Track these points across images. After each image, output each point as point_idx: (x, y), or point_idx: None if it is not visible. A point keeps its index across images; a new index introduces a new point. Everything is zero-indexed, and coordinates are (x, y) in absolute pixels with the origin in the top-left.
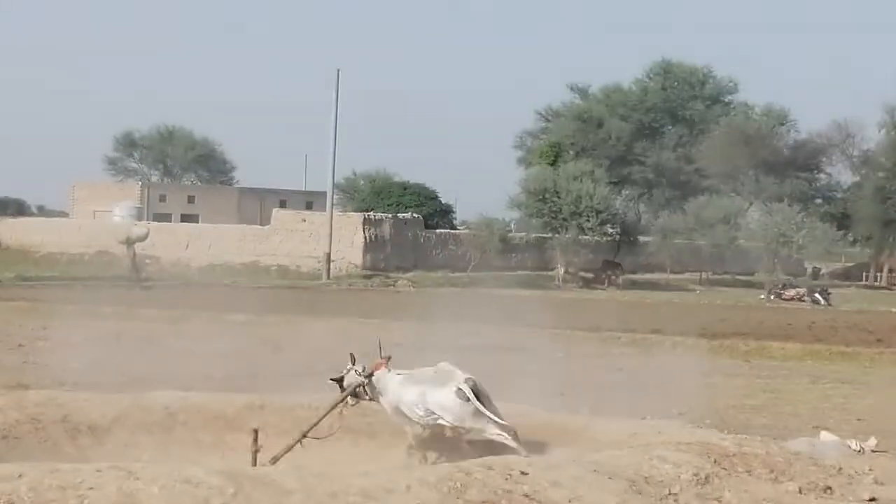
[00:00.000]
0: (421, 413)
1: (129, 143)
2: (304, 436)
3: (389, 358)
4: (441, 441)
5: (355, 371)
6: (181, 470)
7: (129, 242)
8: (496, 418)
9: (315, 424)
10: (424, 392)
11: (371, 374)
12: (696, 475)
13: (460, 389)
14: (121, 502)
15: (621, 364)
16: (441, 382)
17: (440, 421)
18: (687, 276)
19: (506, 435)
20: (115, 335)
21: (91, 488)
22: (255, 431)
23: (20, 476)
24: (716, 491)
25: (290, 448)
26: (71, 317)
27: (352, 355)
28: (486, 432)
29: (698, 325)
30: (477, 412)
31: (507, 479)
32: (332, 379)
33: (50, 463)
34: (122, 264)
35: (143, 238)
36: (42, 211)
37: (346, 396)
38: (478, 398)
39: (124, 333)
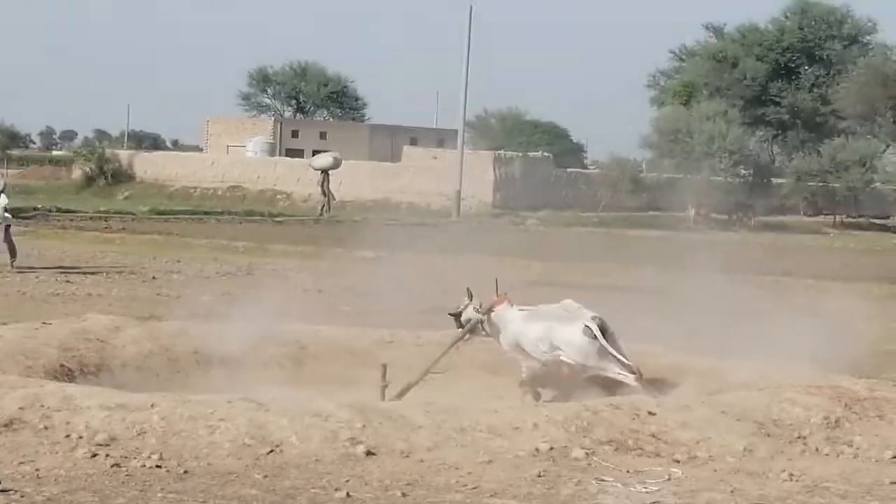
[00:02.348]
0: (545, 349)
1: (262, 79)
2: (428, 372)
3: (506, 294)
4: (555, 379)
5: (473, 307)
6: (311, 403)
7: (327, 169)
8: (622, 357)
9: (437, 360)
10: (551, 327)
11: (491, 310)
12: (826, 419)
13: (587, 327)
14: (251, 434)
15: (752, 306)
16: (568, 319)
17: (563, 357)
18: (820, 219)
19: (628, 375)
20: (246, 269)
21: (222, 419)
22: (384, 366)
23: (152, 406)
24: (846, 435)
25: (413, 385)
26: (204, 251)
27: (468, 290)
28: (608, 372)
29: (832, 269)
30: (602, 350)
31: (634, 418)
32: (450, 314)
33: (181, 393)
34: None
35: (336, 165)
36: (176, 145)
37: (467, 332)
38: (604, 336)
39: (256, 268)
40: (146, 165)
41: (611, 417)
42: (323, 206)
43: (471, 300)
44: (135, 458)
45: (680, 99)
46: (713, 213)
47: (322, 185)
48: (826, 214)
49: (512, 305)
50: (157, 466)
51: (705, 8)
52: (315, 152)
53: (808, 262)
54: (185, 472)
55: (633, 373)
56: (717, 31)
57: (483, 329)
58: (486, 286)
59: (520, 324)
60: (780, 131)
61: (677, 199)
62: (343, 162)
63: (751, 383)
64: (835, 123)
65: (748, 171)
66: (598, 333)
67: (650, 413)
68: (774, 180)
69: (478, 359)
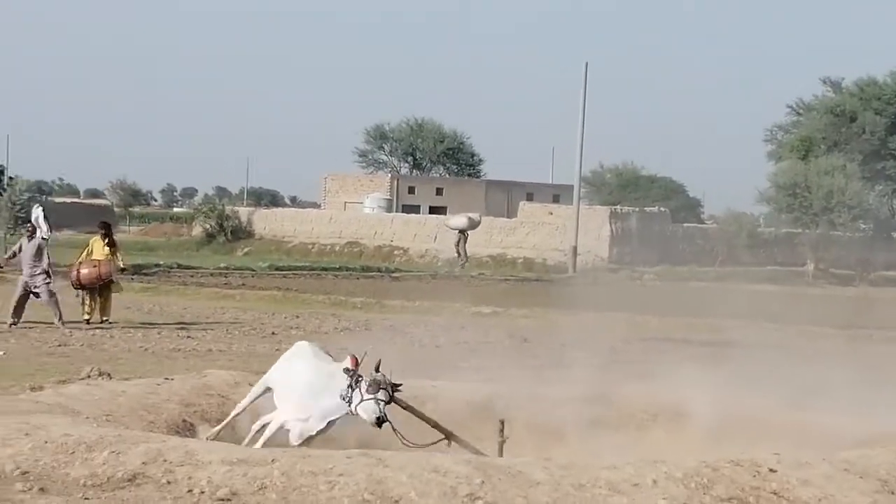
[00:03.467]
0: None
1: (379, 136)
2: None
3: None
4: None
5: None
6: (430, 459)
7: (464, 229)
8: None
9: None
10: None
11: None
12: None
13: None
14: (370, 489)
15: (873, 363)
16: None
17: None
18: None
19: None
20: (364, 324)
21: (341, 474)
22: (502, 422)
23: (273, 461)
24: None
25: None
26: (322, 306)
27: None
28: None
29: None
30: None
31: (755, 476)
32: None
33: (302, 448)
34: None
35: (473, 226)
36: (295, 202)
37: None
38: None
39: (374, 323)
40: (265, 222)
41: (731, 474)
42: (461, 265)
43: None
44: None
45: (798, 153)
46: (832, 267)
47: (458, 245)
48: None
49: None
50: None
51: (823, 62)
52: (432, 209)
53: None
54: None
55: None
56: (835, 86)
57: None
58: (605, 340)
59: None
60: None
61: (796, 254)
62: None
63: (873, 440)
64: None
65: (868, 226)
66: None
67: (771, 470)
68: (895, 235)
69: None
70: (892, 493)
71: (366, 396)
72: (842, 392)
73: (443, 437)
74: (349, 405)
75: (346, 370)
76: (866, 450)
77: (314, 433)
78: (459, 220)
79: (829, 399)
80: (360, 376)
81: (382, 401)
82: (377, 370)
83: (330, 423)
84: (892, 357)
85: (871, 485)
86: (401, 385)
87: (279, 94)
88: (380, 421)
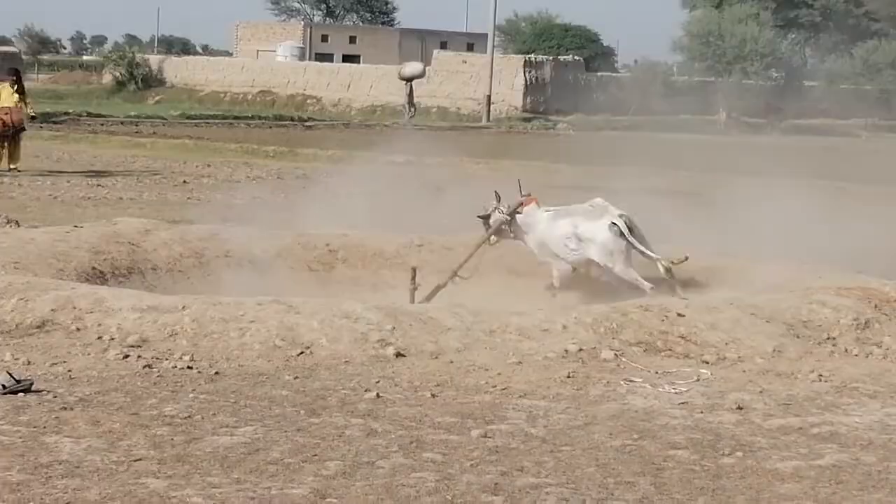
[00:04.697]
0: (573, 247)
1: None
2: (455, 274)
3: (531, 195)
4: (584, 283)
5: (499, 210)
6: (341, 305)
7: (408, 79)
8: (651, 253)
9: (463, 263)
10: (576, 224)
11: (517, 211)
12: (855, 320)
13: (614, 224)
14: (281, 335)
15: (783, 209)
16: (594, 215)
17: (591, 255)
18: (853, 121)
19: (644, 284)
20: (276, 173)
21: (252, 321)
22: (414, 269)
23: (183, 308)
24: (875, 336)
25: (441, 287)
26: (234, 155)
27: (497, 193)
28: (628, 276)
29: (863, 171)
30: (628, 249)
31: (663, 320)
32: (478, 216)
33: (212, 295)
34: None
35: (420, 75)
36: (206, 50)
37: (491, 234)
38: (631, 234)
39: (286, 172)
40: (176, 70)
41: (640, 319)
42: (409, 114)
43: (499, 202)
44: (166, 359)
45: (712, 2)
46: (744, 116)
47: (409, 95)
48: (858, 117)
49: (539, 206)
50: (189, 368)
51: None
52: (345, 57)
53: (839, 165)
54: (216, 373)
55: (665, 267)
56: None
57: (510, 231)
58: (514, 190)
59: (546, 223)
60: (812, 34)
61: (708, 103)
62: (374, 67)
63: (781, 285)
64: (868, 25)
65: (780, 75)
66: (626, 230)
67: (679, 315)
68: (806, 83)
69: (504, 262)
70: (798, 336)
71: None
72: (751, 236)
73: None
74: None
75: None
76: (773, 294)
77: None
78: (414, 68)
79: (740, 243)
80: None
81: None
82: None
83: None
84: (800, 203)
85: (777, 328)
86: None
87: None
88: None
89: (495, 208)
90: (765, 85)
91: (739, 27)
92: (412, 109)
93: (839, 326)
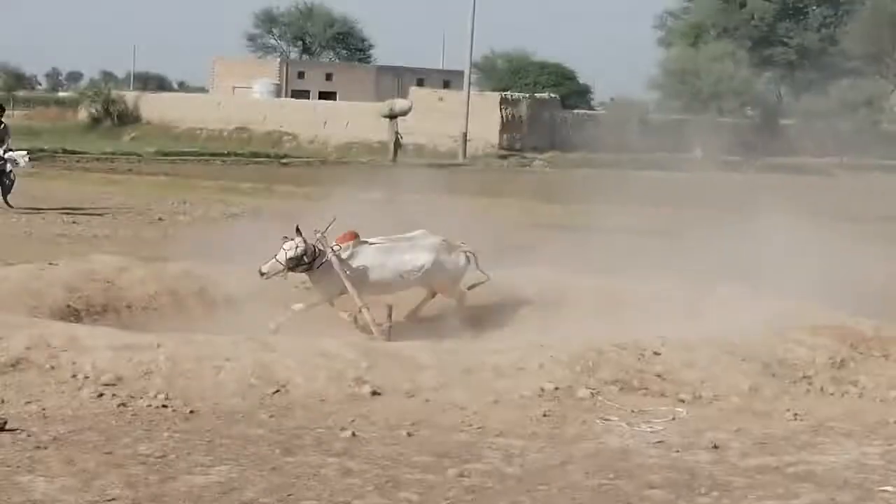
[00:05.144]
0: (416, 275)
1: (268, 20)
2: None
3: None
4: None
5: (328, 247)
6: (316, 343)
7: (392, 116)
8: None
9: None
10: (419, 255)
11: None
12: (831, 359)
13: (469, 254)
14: (256, 374)
15: (761, 245)
16: (439, 247)
17: (433, 283)
18: (827, 160)
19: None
20: (252, 210)
21: (227, 359)
22: (390, 307)
23: (158, 346)
24: (851, 375)
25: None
26: (210, 192)
27: (297, 228)
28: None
29: (837, 208)
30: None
31: (639, 358)
32: (296, 261)
33: (187, 334)
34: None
35: (405, 112)
36: (182, 87)
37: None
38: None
39: (262, 209)
40: (152, 107)
41: (616, 357)
42: (396, 151)
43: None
44: (140, 397)
45: (687, 40)
46: (720, 154)
47: (397, 133)
48: (833, 155)
49: (362, 241)
50: (163, 406)
51: None
52: (321, 94)
53: (814, 201)
54: (191, 411)
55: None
56: None
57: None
58: (488, 227)
59: (377, 255)
60: (787, 72)
61: (684, 141)
62: (350, 104)
63: (757, 323)
64: (842, 64)
65: (755, 112)
66: (474, 260)
67: (655, 353)
68: (782, 121)
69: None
70: (774, 375)
71: None
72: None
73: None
74: None
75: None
76: (749, 332)
77: None
78: (404, 104)
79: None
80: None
81: None
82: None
83: None
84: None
85: (753, 367)
86: None
87: None
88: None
89: (314, 246)
90: (741, 123)
91: (715, 65)
92: (398, 147)
93: (815, 365)
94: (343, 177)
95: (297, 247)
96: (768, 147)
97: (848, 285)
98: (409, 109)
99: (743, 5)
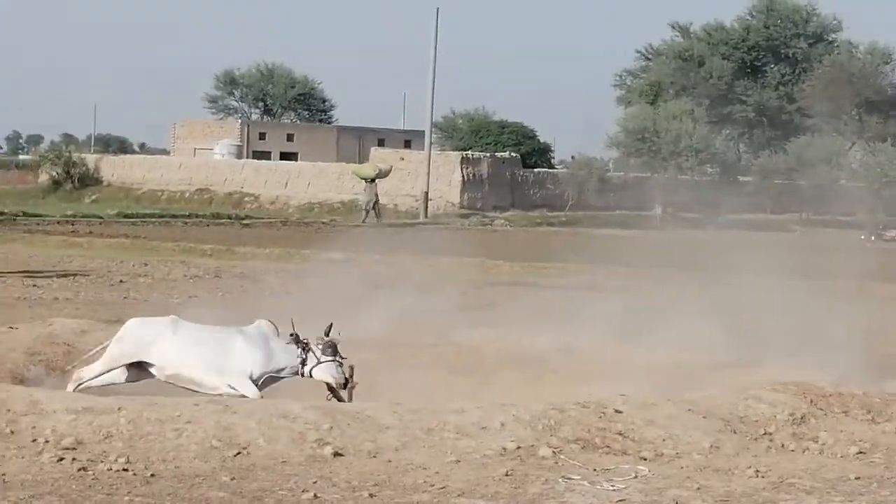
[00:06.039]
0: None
1: (229, 82)
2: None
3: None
4: None
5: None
6: (278, 405)
7: (372, 178)
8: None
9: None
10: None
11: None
12: (791, 415)
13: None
14: (218, 436)
15: (720, 304)
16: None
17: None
18: (787, 216)
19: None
20: (213, 272)
21: (189, 422)
22: (352, 367)
23: (119, 409)
24: (811, 431)
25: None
26: (171, 254)
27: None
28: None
29: (797, 265)
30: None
31: (601, 417)
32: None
33: (149, 397)
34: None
35: (386, 174)
36: (144, 149)
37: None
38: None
39: (224, 270)
40: (113, 169)
41: (578, 416)
42: (377, 214)
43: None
44: (101, 461)
45: (647, 98)
46: (680, 211)
47: (375, 195)
48: (792, 212)
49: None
50: (124, 470)
51: (671, 7)
52: (283, 155)
53: (772, 258)
54: (152, 475)
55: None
56: (684, 30)
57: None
58: (458, 286)
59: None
60: (746, 129)
61: (645, 198)
62: (311, 164)
63: (718, 380)
64: (801, 121)
65: (715, 170)
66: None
67: (617, 411)
68: (741, 178)
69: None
70: (735, 432)
71: (323, 359)
72: (689, 331)
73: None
74: (302, 368)
75: (293, 336)
76: (710, 390)
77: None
78: (387, 166)
79: (675, 339)
80: (307, 340)
81: (340, 363)
82: (327, 334)
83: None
84: (736, 297)
85: (714, 424)
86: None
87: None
88: (346, 383)
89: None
90: (700, 181)
91: (674, 123)
92: (376, 210)
93: (776, 422)
94: (305, 237)
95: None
96: (728, 204)
97: (806, 342)
98: (391, 170)
99: (701, 64)
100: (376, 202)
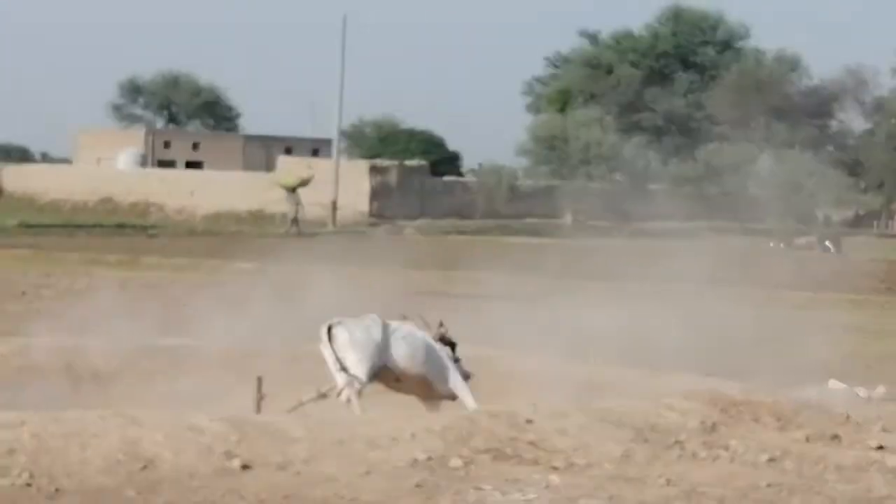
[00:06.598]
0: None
1: (133, 90)
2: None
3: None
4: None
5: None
6: (185, 417)
7: (293, 188)
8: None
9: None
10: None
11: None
12: (702, 423)
13: None
14: (124, 449)
15: (632, 313)
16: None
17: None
18: (697, 223)
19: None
20: (118, 283)
21: (94, 435)
22: (259, 379)
23: (23, 423)
24: (722, 439)
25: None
26: (75, 265)
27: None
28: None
29: (705, 273)
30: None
31: (511, 426)
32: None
33: (53, 411)
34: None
35: (307, 183)
36: (46, 158)
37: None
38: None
39: (129, 282)
40: (14, 178)
41: (489, 426)
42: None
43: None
44: (4, 476)
45: (556, 106)
46: (590, 219)
47: (297, 204)
48: (702, 220)
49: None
50: (27, 485)
51: (580, 14)
52: (188, 164)
53: (683, 266)
54: (56, 490)
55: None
56: (592, 38)
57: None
58: (369, 296)
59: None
60: (655, 137)
61: (555, 206)
62: (217, 173)
63: (629, 390)
64: (709, 129)
65: (624, 178)
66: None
67: (528, 421)
68: (651, 186)
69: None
70: (646, 440)
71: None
72: (600, 342)
73: None
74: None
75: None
76: (622, 399)
77: None
78: (309, 173)
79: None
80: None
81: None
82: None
83: None
84: (649, 306)
85: (625, 433)
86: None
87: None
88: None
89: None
90: (609, 188)
91: (584, 131)
92: (296, 220)
93: (687, 430)
94: (211, 248)
95: None
96: (637, 212)
97: (716, 349)
98: (312, 178)
99: (610, 72)
100: (297, 210)
